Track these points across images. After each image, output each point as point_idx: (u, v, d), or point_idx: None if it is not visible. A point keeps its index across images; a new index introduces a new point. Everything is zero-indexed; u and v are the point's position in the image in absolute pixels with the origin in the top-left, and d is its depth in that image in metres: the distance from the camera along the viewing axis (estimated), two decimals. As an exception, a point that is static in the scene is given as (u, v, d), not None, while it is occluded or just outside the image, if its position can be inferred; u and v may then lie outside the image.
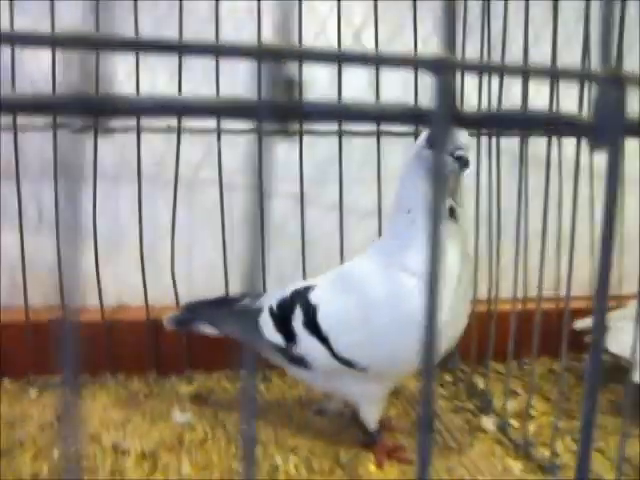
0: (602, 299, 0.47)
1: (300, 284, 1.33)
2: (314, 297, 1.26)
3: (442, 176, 0.42)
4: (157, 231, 1.68)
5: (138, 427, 1.41)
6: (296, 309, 1.27)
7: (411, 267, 1.17)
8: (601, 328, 0.49)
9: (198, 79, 1.63)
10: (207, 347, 1.63)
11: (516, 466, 1.27)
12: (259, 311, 1.32)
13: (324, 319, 1.22)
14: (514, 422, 1.44)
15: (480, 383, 1.60)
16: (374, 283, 1.20)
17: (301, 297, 1.28)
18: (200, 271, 1.76)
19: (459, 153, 1.12)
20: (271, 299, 1.34)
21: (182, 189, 1.70)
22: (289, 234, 1.71)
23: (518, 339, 1.71)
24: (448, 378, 1.70)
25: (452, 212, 1.18)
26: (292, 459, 1.28)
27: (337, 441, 1.36)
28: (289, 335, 1.27)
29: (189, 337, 1.63)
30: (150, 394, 1.58)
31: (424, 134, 1.18)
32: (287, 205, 1.72)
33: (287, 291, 1.33)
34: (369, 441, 1.32)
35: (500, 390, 1.53)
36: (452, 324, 1.18)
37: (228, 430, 1.40)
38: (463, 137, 1.15)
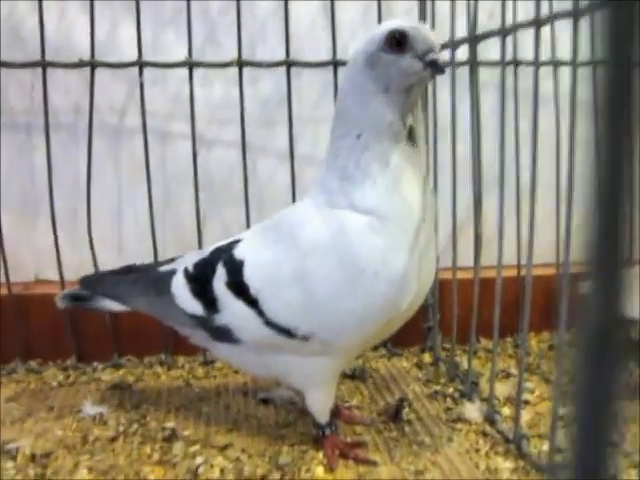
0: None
1: (225, 241, 1.06)
2: (239, 251, 0.99)
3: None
4: (78, 191, 1.40)
5: (39, 423, 1.15)
6: (218, 268, 0.99)
7: (362, 204, 0.90)
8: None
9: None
10: (138, 328, 1.37)
11: (505, 465, 0.99)
12: (172, 275, 1.05)
13: (252, 276, 0.95)
14: (505, 410, 1.17)
15: (465, 364, 1.32)
16: (313, 226, 0.92)
17: (224, 253, 1.01)
18: (131, 236, 1.48)
19: (432, 56, 0.87)
20: (187, 261, 1.06)
21: (105, 138, 1.43)
22: (234, 189, 1.42)
23: (513, 311, 1.45)
24: (427, 358, 1.42)
25: (411, 133, 0.90)
26: (218, 461, 1.01)
27: (280, 437, 1.09)
28: (209, 301, 0.99)
29: (116, 316, 1.36)
30: (64, 384, 1.31)
31: (376, 33, 0.89)
32: (230, 155, 1.45)
33: (208, 250, 1.06)
34: (319, 436, 1.04)
35: (490, 371, 1.26)
36: (419, 272, 0.91)
37: (147, 425, 1.13)
38: (433, 36, 0.88)
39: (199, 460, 1.00)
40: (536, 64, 0.99)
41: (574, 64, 0.87)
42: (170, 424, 1.11)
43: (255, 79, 1.41)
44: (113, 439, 1.08)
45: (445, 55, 1.18)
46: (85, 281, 1.16)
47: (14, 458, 1.02)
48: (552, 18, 0.92)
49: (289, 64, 1.34)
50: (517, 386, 1.06)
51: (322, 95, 1.44)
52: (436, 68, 0.87)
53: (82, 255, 1.40)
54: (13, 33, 1.36)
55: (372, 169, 0.90)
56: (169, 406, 1.20)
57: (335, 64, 1.35)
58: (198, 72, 1.34)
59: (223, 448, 1.04)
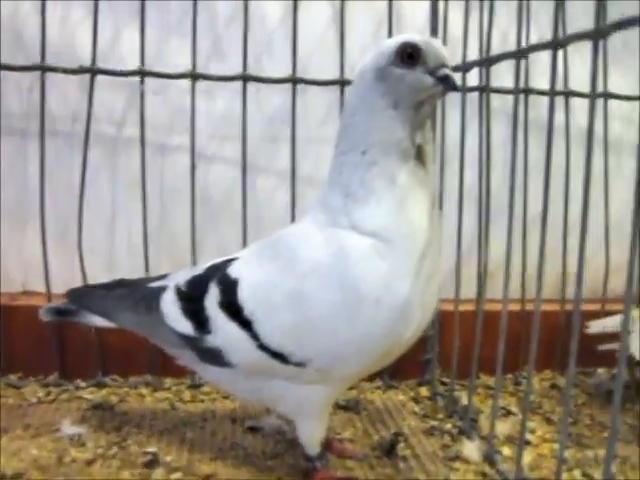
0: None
1: (220, 259, 1.01)
2: (234, 270, 0.94)
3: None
4: (71, 200, 1.36)
5: (14, 440, 1.08)
6: (211, 286, 0.94)
7: (365, 224, 0.85)
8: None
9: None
10: (124, 346, 1.32)
11: (504, 509, 0.94)
12: (162, 292, 1.00)
13: (246, 297, 0.90)
14: (505, 449, 1.11)
15: (464, 399, 1.26)
16: (313, 246, 0.87)
17: (218, 271, 0.96)
18: (123, 250, 1.43)
19: (444, 72, 0.84)
20: (180, 277, 1.01)
21: (102, 148, 1.39)
22: (232, 207, 1.38)
23: (514, 347, 1.40)
24: (424, 392, 1.37)
25: (420, 152, 0.86)
26: (199, 491, 0.95)
27: (267, 468, 1.02)
28: (200, 321, 0.94)
29: (102, 333, 1.31)
30: (44, 400, 1.25)
31: (387, 46, 0.86)
32: (229, 171, 1.41)
33: (202, 267, 1.01)
34: (309, 469, 0.99)
35: (490, 408, 1.20)
36: (422, 299, 0.86)
37: (127, 449, 1.06)
38: (445, 52, 0.85)
39: (178, 489, 0.94)
40: (551, 90, 0.94)
41: (593, 94, 0.82)
42: (152, 449, 1.05)
43: (259, 95, 1.37)
44: (90, 462, 1.01)
45: (456, 78, 1.15)
46: (72, 294, 1.11)
47: (-18, 478, 0.96)
48: (570, 39, 0.87)
49: (295, 81, 1.30)
50: (519, 425, 1.00)
51: (327, 115, 1.41)
52: (448, 84, 0.84)
53: (72, 267, 1.35)
54: (14, 35, 1.33)
55: (377, 187, 0.85)
56: (152, 430, 1.14)
57: (342, 83, 1.31)
58: (201, 85, 1.30)
59: (206, 478, 0.98)
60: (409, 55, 0.83)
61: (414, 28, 1.40)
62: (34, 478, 0.96)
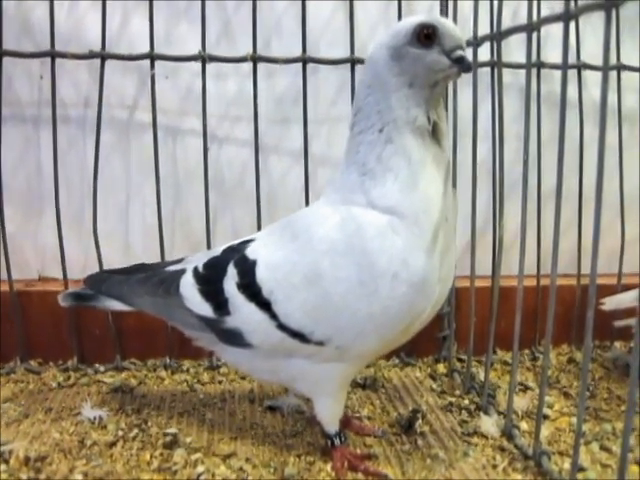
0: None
1: (237, 241, 1.01)
2: (252, 251, 0.94)
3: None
4: (85, 186, 1.36)
5: (36, 424, 1.10)
6: (229, 268, 0.95)
7: (382, 201, 0.85)
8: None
9: None
10: (142, 330, 1.34)
11: (523, 482, 0.94)
12: (180, 275, 1.01)
13: (265, 277, 0.90)
14: (523, 424, 1.12)
15: (481, 375, 1.26)
16: (330, 225, 0.87)
17: (236, 253, 0.96)
18: (138, 234, 1.44)
19: (460, 53, 0.85)
20: (197, 260, 1.02)
21: (114, 133, 1.39)
22: (245, 189, 1.39)
23: (531, 323, 1.41)
24: (441, 368, 1.37)
25: (435, 130, 0.86)
26: (221, 470, 0.95)
27: (287, 447, 1.03)
28: (220, 303, 0.94)
29: (119, 318, 1.32)
30: (64, 385, 1.27)
31: (403, 26, 0.86)
32: (242, 153, 1.41)
33: (219, 250, 1.02)
34: (328, 447, 0.99)
35: (507, 384, 1.20)
36: (440, 274, 0.87)
37: (147, 431, 1.08)
38: (460, 33, 0.86)
39: (200, 469, 0.94)
40: (564, 63, 0.92)
41: (605, 67, 0.81)
42: (172, 430, 1.06)
43: (270, 75, 1.37)
44: (111, 444, 1.03)
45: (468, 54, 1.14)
46: (90, 280, 1.12)
47: (7, 461, 0.97)
48: (582, 10, 0.86)
49: (305, 60, 1.29)
50: (536, 400, 1.00)
51: (338, 93, 1.40)
52: (463, 65, 0.85)
53: (88, 253, 1.36)
54: (22, 21, 1.33)
55: (394, 164, 0.85)
56: (172, 411, 1.15)
57: (353, 62, 1.30)
58: (211, 67, 1.29)
59: (226, 457, 0.99)
60: (426, 36, 0.84)
61: (424, 5, 1.39)
62: (57, 461, 0.98)
